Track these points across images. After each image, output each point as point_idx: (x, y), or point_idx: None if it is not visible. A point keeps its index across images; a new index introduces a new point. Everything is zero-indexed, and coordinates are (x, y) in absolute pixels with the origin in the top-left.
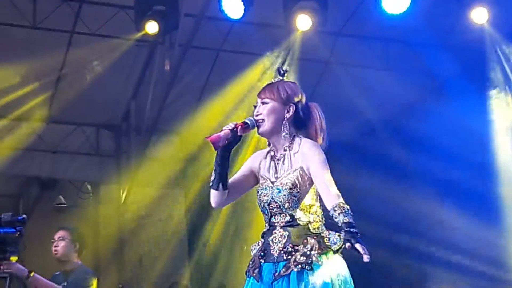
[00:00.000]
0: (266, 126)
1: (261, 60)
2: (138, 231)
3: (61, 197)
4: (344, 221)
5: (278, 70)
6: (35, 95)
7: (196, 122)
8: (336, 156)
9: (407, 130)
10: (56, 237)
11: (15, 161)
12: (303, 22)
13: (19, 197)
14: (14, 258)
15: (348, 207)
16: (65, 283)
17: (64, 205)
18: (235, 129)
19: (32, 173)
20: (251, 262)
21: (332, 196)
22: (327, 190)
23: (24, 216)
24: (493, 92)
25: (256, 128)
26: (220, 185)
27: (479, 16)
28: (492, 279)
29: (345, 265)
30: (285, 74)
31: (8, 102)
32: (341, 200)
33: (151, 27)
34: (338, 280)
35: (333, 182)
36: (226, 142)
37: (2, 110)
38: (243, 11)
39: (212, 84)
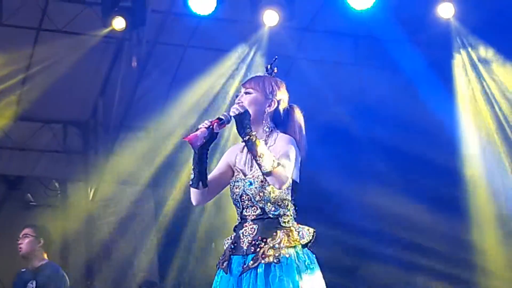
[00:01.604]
0: None
1: (228, 56)
2: (106, 228)
3: (29, 195)
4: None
5: (266, 68)
6: (2, 92)
7: (164, 119)
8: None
9: (376, 126)
10: (20, 235)
11: None
12: (271, 17)
13: None
14: None
15: (273, 165)
16: (34, 281)
17: (32, 203)
18: (211, 126)
19: None
20: (222, 255)
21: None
22: None
23: None
24: (459, 86)
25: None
26: (200, 183)
27: (446, 10)
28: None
29: (319, 272)
30: (273, 74)
31: None
32: (282, 170)
33: (118, 23)
34: (307, 274)
35: (288, 165)
36: (204, 140)
37: None
38: (214, 7)
39: (180, 80)
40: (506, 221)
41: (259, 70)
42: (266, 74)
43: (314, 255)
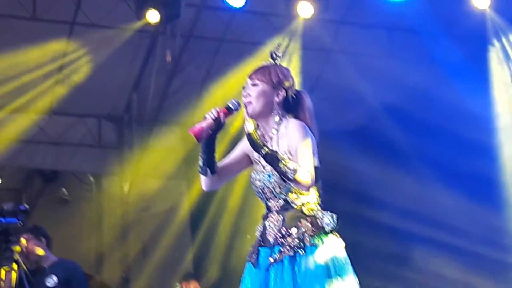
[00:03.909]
0: (255, 108)
1: (262, 49)
2: (141, 222)
3: (63, 189)
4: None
5: (271, 54)
6: (36, 87)
7: (198, 113)
8: (340, 143)
9: (411, 117)
10: (21, 243)
11: (17, 154)
12: (305, 9)
13: (21, 190)
14: (17, 248)
15: (295, 172)
16: (53, 275)
17: (67, 198)
18: (218, 117)
19: (34, 165)
20: (252, 247)
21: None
22: None
23: (26, 206)
24: (495, 78)
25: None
26: (208, 171)
27: (481, 1)
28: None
29: (343, 247)
30: (278, 59)
31: (9, 93)
32: (303, 173)
33: (152, 16)
34: (334, 264)
35: (308, 162)
36: (210, 132)
37: (3, 101)
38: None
39: (214, 74)
40: None
41: (296, 64)
42: (271, 62)
43: (340, 239)
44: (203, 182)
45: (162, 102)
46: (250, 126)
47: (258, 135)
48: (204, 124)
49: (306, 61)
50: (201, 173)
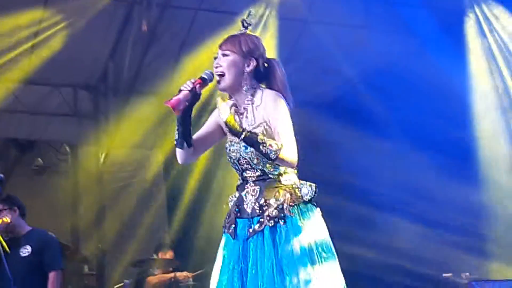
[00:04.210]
0: (226, 80)
1: (239, 19)
2: (116, 191)
3: (39, 159)
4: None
5: (242, 23)
6: (12, 56)
7: (174, 83)
8: (316, 113)
9: (388, 88)
10: None
11: None
12: None
13: None
14: None
15: (278, 150)
16: (27, 245)
17: (42, 167)
18: (193, 88)
19: (9, 135)
20: (227, 217)
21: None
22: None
23: (2, 175)
24: (472, 50)
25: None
26: (185, 144)
27: None
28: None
29: (325, 227)
30: (249, 27)
31: None
32: (287, 151)
33: None
34: (317, 246)
35: (290, 136)
36: (187, 103)
37: None
38: None
39: (190, 44)
40: None
41: (272, 33)
42: (242, 30)
43: (318, 209)
44: (179, 155)
45: (138, 72)
46: (225, 114)
47: (235, 120)
48: (180, 96)
49: (282, 31)
50: (177, 146)
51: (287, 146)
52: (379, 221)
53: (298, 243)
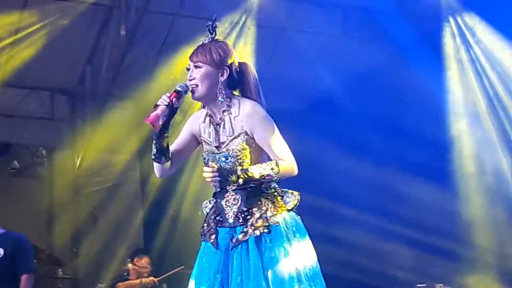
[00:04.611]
0: (200, 91)
1: (217, 25)
2: (92, 195)
3: (15, 161)
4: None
5: (208, 28)
6: None
7: (152, 88)
8: (291, 124)
9: (366, 96)
10: None
11: None
12: None
13: None
14: None
15: (278, 170)
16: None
17: (18, 170)
18: (170, 103)
19: None
20: (205, 225)
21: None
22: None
23: None
24: (449, 60)
25: (190, 94)
26: (163, 158)
27: None
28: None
29: (313, 251)
30: (215, 31)
31: None
32: (285, 163)
33: None
34: (306, 273)
35: (282, 146)
36: (165, 118)
37: None
38: None
39: (168, 49)
40: (493, 194)
41: (251, 40)
42: (209, 38)
43: (299, 217)
44: (157, 169)
45: (116, 77)
46: (212, 166)
47: (225, 168)
48: (158, 111)
49: (260, 39)
50: (155, 161)
51: (283, 157)
52: (348, 218)
53: (283, 252)
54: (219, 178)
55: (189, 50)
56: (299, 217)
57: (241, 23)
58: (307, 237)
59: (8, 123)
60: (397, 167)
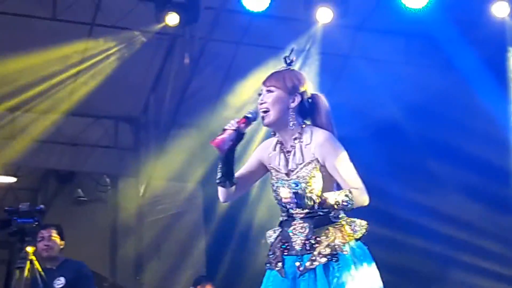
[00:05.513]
0: (271, 116)
1: (281, 53)
2: (156, 223)
3: (79, 190)
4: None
5: (285, 59)
6: (54, 87)
7: (216, 116)
8: (355, 151)
9: (429, 125)
10: (45, 235)
11: (34, 154)
12: (324, 14)
13: (37, 190)
14: (31, 248)
15: (352, 197)
16: (61, 277)
17: (83, 199)
18: (238, 128)
19: (50, 166)
20: (271, 253)
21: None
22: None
23: (42, 206)
24: None
25: (261, 120)
26: (227, 182)
27: (500, 9)
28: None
29: (380, 280)
30: (292, 64)
31: (29, 95)
32: (358, 193)
33: (171, 19)
34: (367, 269)
35: (354, 175)
36: (231, 143)
37: (22, 103)
38: (268, 4)
39: (232, 77)
40: None
41: (314, 68)
42: (284, 67)
43: (366, 247)
44: (221, 193)
45: (179, 105)
46: (285, 192)
47: (301, 195)
48: (225, 135)
49: (324, 66)
50: (219, 185)
51: (356, 187)
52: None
53: (351, 281)
54: (295, 200)
55: (253, 78)
56: (366, 246)
57: (305, 50)
58: (374, 266)
59: (72, 151)
60: (464, 195)
